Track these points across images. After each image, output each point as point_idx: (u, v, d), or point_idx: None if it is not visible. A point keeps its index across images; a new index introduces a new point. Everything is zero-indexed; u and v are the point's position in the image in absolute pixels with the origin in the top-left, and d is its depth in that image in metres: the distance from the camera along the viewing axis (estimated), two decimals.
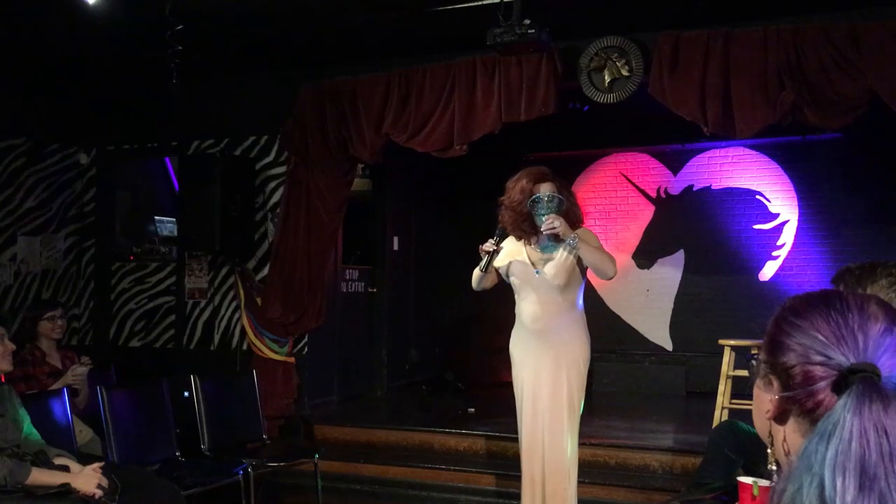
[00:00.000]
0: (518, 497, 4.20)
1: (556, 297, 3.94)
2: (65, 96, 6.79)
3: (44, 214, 6.88)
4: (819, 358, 1.03)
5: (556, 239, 3.93)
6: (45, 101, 6.74)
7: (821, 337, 1.04)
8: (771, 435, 1.14)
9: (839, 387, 1.00)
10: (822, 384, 1.02)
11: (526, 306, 4.00)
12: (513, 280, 4.04)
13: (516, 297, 4.09)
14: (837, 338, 1.03)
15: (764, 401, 1.13)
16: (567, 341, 3.97)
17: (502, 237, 3.98)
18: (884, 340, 1.02)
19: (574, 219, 3.99)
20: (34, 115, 6.72)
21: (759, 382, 1.15)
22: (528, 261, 3.98)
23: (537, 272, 3.94)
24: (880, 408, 0.93)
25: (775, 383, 1.09)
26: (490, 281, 4.09)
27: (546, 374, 3.94)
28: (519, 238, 4.03)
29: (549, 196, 3.84)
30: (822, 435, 0.94)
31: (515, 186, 3.99)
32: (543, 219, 3.82)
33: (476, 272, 4.07)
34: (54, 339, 4.94)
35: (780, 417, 1.10)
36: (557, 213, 3.82)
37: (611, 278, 4.00)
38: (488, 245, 3.93)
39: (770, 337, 1.11)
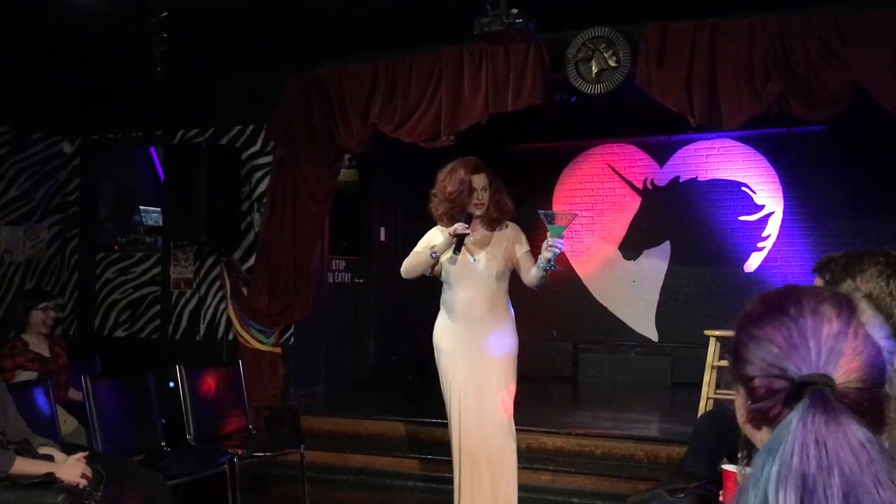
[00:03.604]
0: None
1: (490, 286, 4.03)
2: (48, 85, 6.73)
3: (27, 204, 6.83)
4: (776, 371, 1.04)
5: (491, 228, 4.07)
6: (29, 89, 6.67)
7: (774, 349, 1.05)
8: (749, 437, 1.15)
9: (790, 400, 1.01)
10: (782, 395, 1.04)
11: (459, 293, 4.06)
12: (449, 268, 4.06)
13: (447, 285, 4.13)
14: (791, 347, 1.04)
15: (739, 406, 1.15)
16: (498, 331, 4.04)
17: (469, 221, 4.01)
18: (837, 344, 1.02)
19: (504, 208, 4.09)
20: (17, 103, 6.65)
21: (733, 386, 1.16)
22: (465, 251, 4.04)
23: (474, 260, 4.01)
24: (822, 421, 0.94)
25: (742, 392, 1.11)
26: (429, 267, 4.10)
27: (480, 364, 3.99)
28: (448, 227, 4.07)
29: (559, 215, 3.84)
30: (769, 449, 0.96)
31: (452, 177, 4.06)
32: (556, 238, 3.79)
33: (422, 257, 4.08)
34: (42, 334, 4.90)
35: (755, 424, 1.11)
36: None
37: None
38: (461, 227, 3.95)
39: (733, 346, 1.13)
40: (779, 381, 1.04)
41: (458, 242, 3.99)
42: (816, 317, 1.05)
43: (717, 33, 5.03)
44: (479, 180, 4.05)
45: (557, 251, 3.78)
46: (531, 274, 3.98)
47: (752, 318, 1.10)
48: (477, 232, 4.10)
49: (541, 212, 3.84)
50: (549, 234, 3.80)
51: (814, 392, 0.98)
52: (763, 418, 1.07)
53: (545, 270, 3.87)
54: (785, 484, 0.92)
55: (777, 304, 1.10)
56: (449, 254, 4.01)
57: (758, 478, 0.95)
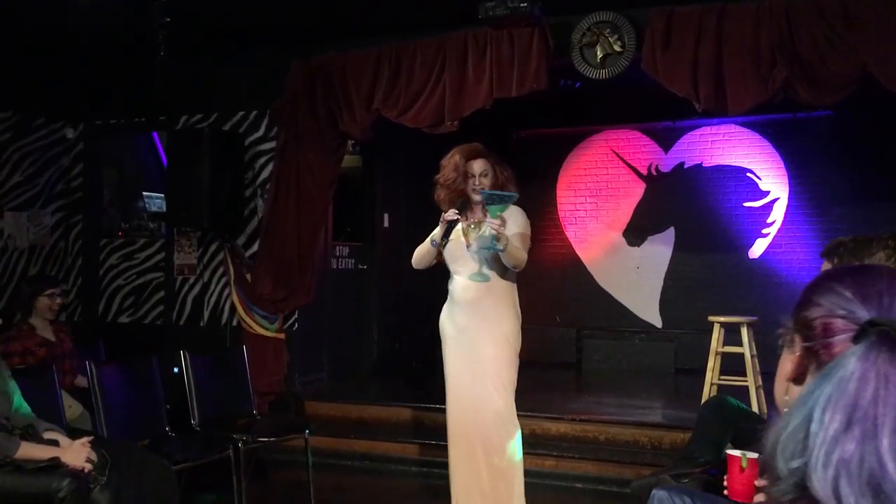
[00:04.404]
0: None
1: (485, 271, 4.00)
2: (51, 70, 6.71)
3: (31, 190, 6.83)
4: (841, 312, 1.06)
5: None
6: (31, 74, 6.66)
7: (847, 294, 1.07)
8: (788, 397, 1.16)
9: (857, 339, 1.02)
10: (841, 336, 1.05)
11: (457, 280, 4.06)
12: (446, 255, 4.08)
13: (450, 272, 4.13)
14: (863, 296, 1.06)
15: (786, 363, 1.16)
16: (495, 316, 4.00)
17: (463, 207, 4.02)
18: None
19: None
20: (20, 88, 6.63)
21: (784, 350, 1.18)
22: (460, 236, 4.04)
23: (468, 247, 4.00)
24: (887, 357, 0.95)
25: (797, 339, 1.12)
26: (434, 256, 4.10)
27: (477, 351, 3.98)
28: None
29: (500, 195, 3.80)
30: (826, 376, 0.96)
31: (449, 164, 4.05)
32: (492, 218, 3.77)
33: (425, 247, 4.09)
34: (47, 320, 4.91)
35: (799, 378, 1.12)
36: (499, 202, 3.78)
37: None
38: (451, 214, 3.95)
39: (801, 297, 1.15)
40: (842, 321, 1.05)
41: (448, 229, 3.99)
42: (894, 280, 1.08)
43: (723, 18, 5.00)
44: (478, 166, 4.02)
45: (494, 231, 3.74)
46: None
47: (830, 274, 1.14)
48: (476, 217, 4.06)
49: (481, 191, 3.87)
50: (487, 214, 3.81)
51: (881, 331, 0.99)
52: (814, 359, 1.08)
53: (488, 250, 3.84)
54: (834, 406, 0.92)
55: (856, 268, 1.16)
56: (448, 234, 4.01)
57: (806, 399, 0.96)
